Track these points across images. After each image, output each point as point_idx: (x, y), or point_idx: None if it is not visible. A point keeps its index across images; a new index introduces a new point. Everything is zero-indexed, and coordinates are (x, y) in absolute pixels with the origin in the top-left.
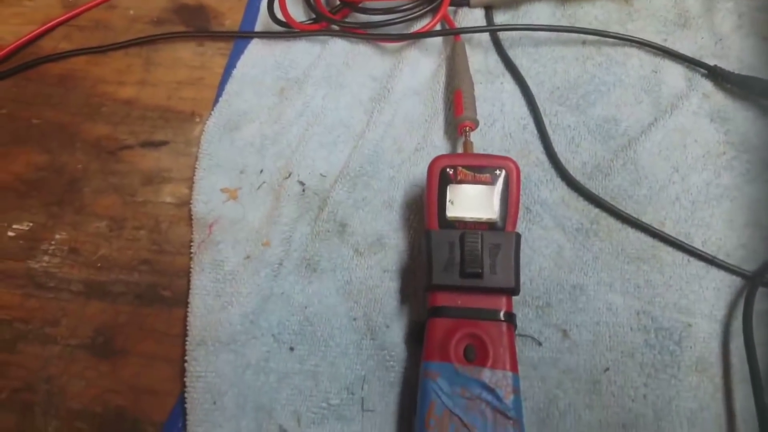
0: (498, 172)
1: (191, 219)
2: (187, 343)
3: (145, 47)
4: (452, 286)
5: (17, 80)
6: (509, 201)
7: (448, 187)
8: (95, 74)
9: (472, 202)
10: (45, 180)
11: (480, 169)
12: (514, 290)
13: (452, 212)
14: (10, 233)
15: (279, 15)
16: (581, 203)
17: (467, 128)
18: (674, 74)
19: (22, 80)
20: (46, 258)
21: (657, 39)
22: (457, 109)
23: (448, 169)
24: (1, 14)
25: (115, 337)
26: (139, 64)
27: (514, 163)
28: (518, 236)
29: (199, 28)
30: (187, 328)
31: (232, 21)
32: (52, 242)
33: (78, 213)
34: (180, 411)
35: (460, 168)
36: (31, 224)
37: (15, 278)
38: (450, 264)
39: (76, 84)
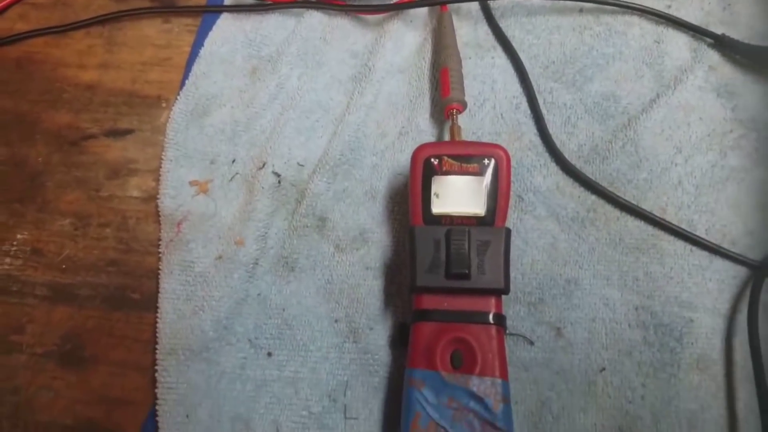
0: (486, 161)
1: (159, 215)
2: (157, 352)
3: (107, 25)
4: (438, 287)
5: None
6: (499, 193)
7: (433, 179)
8: (55, 57)
9: (458, 195)
10: (5, 175)
11: (467, 158)
12: (504, 290)
13: (437, 207)
14: None
15: None
16: (577, 190)
17: (454, 111)
18: (678, 44)
19: None
20: (8, 260)
21: (660, 5)
22: (444, 89)
23: (432, 160)
24: None
25: (84, 344)
26: (101, 45)
27: (504, 151)
28: (508, 232)
29: (164, 2)
30: (157, 335)
31: None
32: (14, 243)
33: (41, 210)
34: (152, 424)
35: (445, 158)
36: None
37: None
38: (435, 264)
39: (35, 68)
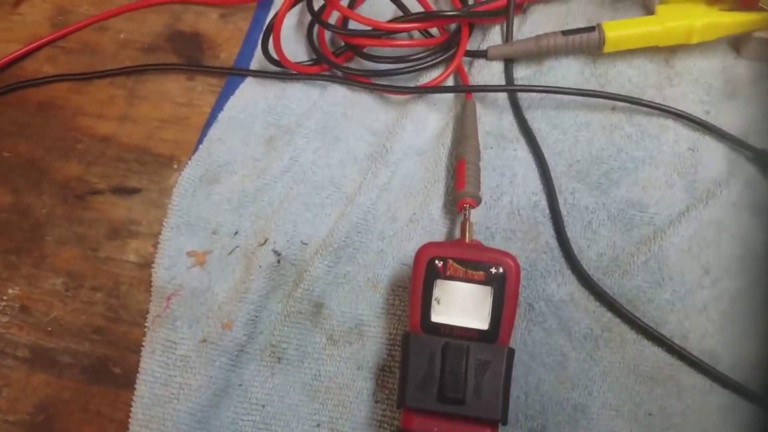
0: (494, 270)
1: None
2: None
3: (131, 77)
4: (428, 410)
5: None
6: (505, 307)
7: (436, 283)
8: (75, 104)
9: (461, 304)
10: (6, 223)
11: (474, 264)
12: (501, 421)
13: (437, 315)
14: None
15: (274, 54)
16: (593, 304)
17: (467, 206)
18: (714, 155)
19: (0, 105)
20: None
21: (698, 110)
22: (459, 182)
23: (437, 261)
24: None
25: (57, 416)
26: (122, 96)
27: (515, 261)
28: (511, 353)
29: (191, 59)
30: (130, 420)
31: (227, 54)
32: (4, 297)
33: (35, 265)
34: None
35: (450, 261)
36: None
37: None
38: (428, 380)
39: (54, 114)
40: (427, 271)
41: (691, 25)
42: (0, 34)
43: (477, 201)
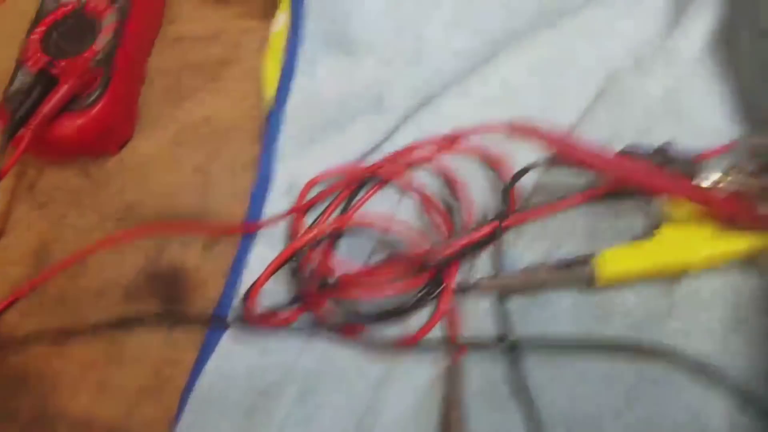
0: None
1: None
2: None
3: (109, 331)
4: None
5: None
6: None
7: None
8: (51, 373)
9: None
10: None
11: None
12: None
13: None
14: None
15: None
16: None
17: None
18: (719, 413)
19: None
20: None
21: (705, 347)
22: None
23: None
24: None
25: None
26: (102, 358)
27: None
28: None
29: (172, 301)
30: None
31: (210, 295)
32: None
33: None
34: None
35: None
36: None
37: None
38: None
39: (30, 389)
40: None
41: (691, 261)
42: None
43: None
